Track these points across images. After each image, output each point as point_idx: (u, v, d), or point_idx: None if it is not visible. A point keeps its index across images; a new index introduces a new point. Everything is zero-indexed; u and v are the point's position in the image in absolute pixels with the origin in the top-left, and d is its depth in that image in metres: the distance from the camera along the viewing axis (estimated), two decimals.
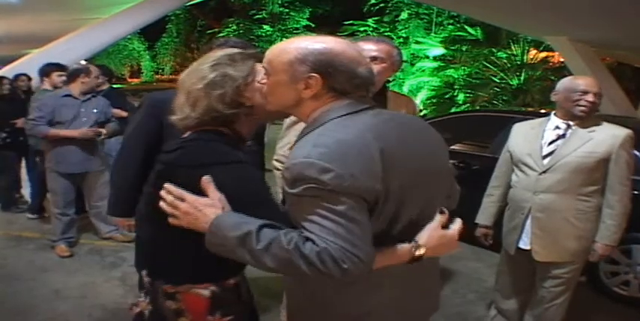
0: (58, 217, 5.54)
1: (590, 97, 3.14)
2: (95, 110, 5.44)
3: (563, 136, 3.22)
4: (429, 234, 1.63)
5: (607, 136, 3.13)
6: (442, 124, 6.41)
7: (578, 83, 3.20)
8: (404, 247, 1.58)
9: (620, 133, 3.14)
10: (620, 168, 3.13)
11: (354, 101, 1.62)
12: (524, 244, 3.32)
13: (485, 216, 3.63)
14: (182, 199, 1.61)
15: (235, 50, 1.94)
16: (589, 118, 3.19)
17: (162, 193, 1.66)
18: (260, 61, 1.81)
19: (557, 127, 3.26)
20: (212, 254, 1.57)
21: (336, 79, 1.59)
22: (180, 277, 1.79)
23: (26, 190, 7.41)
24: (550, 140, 3.26)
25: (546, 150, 3.24)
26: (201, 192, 1.61)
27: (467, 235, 3.50)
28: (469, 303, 4.61)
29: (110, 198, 3.22)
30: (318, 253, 1.41)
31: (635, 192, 4.46)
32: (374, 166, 1.47)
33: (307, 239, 1.44)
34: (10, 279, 4.81)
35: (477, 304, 4.56)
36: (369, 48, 2.87)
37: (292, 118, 3.03)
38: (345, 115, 1.59)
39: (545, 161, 3.21)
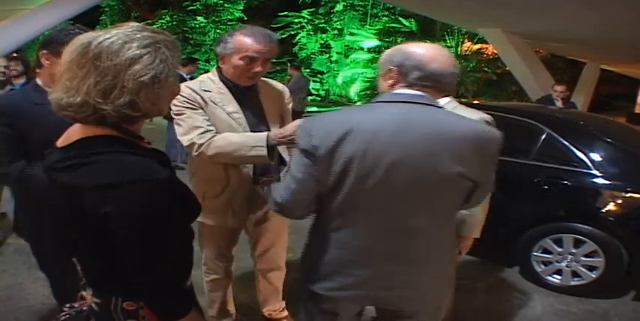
0: None
1: None
2: None
3: None
4: None
5: None
6: None
7: None
8: None
9: (473, 117, 2.65)
10: None
11: (403, 93, 1.98)
12: None
13: None
14: None
15: None
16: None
17: None
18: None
19: None
20: (167, 261, 1.54)
21: (408, 72, 1.97)
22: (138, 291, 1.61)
23: None
24: None
25: None
26: (112, 217, 1.45)
27: None
28: None
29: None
30: None
31: (565, 182, 4.57)
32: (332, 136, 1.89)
33: None
34: None
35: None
36: (260, 49, 2.76)
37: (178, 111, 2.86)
38: (385, 101, 2.00)
39: None
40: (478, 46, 18.15)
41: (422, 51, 1.98)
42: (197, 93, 2.86)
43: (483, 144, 1.94)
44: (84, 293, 1.75)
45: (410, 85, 1.98)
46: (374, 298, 2.11)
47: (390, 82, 2.03)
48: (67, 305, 1.79)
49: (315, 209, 2.10)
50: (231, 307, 3.61)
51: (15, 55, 7.76)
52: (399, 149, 1.86)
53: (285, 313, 3.73)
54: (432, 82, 1.96)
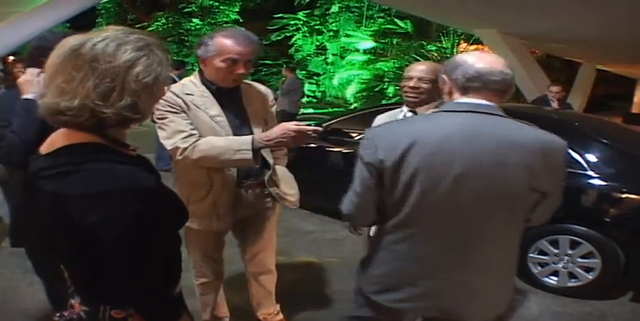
0: None
1: (411, 83, 3.05)
2: None
3: None
4: None
5: None
6: (352, 121, 6.48)
7: (407, 69, 3.12)
8: None
9: None
10: None
11: (467, 102, 1.98)
12: None
13: None
14: None
15: None
16: (422, 103, 3.06)
17: None
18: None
19: (405, 116, 3.12)
20: (156, 267, 1.53)
21: (457, 76, 2.00)
22: (128, 298, 1.58)
23: None
24: None
25: None
26: (99, 226, 1.41)
27: None
28: None
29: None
30: None
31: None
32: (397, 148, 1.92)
33: None
34: None
35: None
36: (242, 51, 2.74)
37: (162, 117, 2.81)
38: (448, 111, 2.00)
39: None
40: (474, 46, 18.15)
41: (470, 56, 2.03)
42: (179, 96, 2.82)
43: (551, 154, 1.95)
44: (72, 301, 1.71)
45: (464, 90, 2.00)
46: (440, 309, 2.12)
47: (446, 89, 2.09)
48: (57, 314, 1.76)
49: (379, 219, 2.16)
50: (225, 310, 3.59)
51: (13, 57, 7.79)
52: (467, 160, 1.87)
53: (280, 316, 3.70)
54: (481, 83, 1.96)
